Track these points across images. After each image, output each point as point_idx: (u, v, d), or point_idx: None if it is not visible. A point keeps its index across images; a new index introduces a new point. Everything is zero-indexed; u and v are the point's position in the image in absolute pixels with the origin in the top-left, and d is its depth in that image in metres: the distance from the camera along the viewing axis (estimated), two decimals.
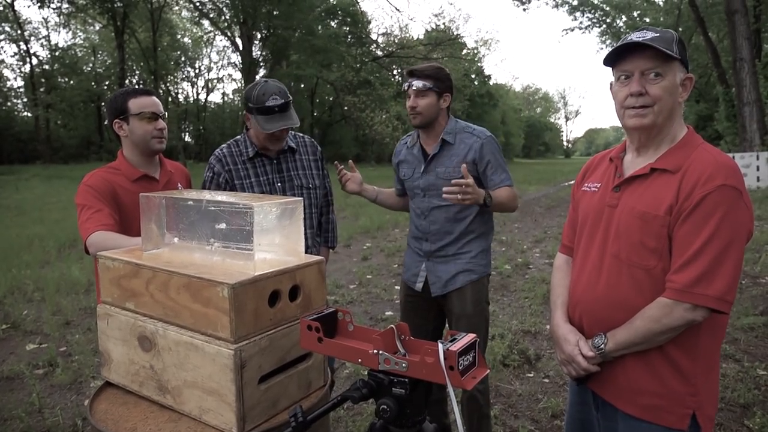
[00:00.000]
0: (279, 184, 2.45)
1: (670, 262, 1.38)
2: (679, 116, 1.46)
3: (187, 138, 41.55)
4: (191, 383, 1.33)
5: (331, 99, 35.75)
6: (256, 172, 2.44)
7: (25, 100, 34.37)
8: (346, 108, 34.15)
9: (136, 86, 2.21)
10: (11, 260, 7.17)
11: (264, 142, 2.40)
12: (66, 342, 4.41)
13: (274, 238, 1.37)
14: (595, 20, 33.68)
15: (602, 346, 1.45)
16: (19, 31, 32.15)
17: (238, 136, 2.53)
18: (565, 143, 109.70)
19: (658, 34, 1.37)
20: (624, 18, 34.19)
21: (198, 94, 46.30)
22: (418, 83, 2.32)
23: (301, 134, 2.65)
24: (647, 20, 33.95)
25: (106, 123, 2.13)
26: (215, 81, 51.74)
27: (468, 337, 1.09)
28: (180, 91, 44.32)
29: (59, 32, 39.94)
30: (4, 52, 48.62)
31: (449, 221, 2.39)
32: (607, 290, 1.47)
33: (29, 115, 33.48)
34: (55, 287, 5.86)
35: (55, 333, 4.57)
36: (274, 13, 27.69)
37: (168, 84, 39.98)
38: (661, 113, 1.40)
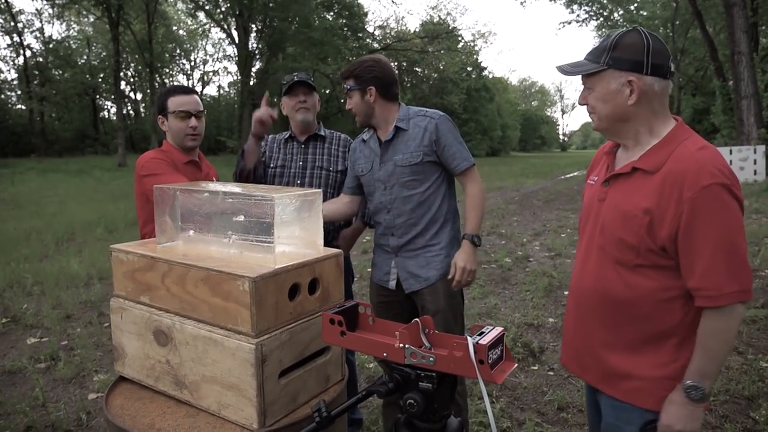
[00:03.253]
0: (300, 162, 2.73)
1: (649, 258, 1.39)
2: (642, 116, 1.43)
3: None
4: (210, 378, 1.32)
5: (327, 92, 35.58)
6: (285, 152, 2.77)
7: (19, 92, 34.10)
8: (342, 101, 34.03)
9: (178, 84, 2.35)
10: (9, 254, 7.12)
11: (291, 113, 2.72)
12: (67, 336, 4.39)
13: (294, 230, 1.35)
14: (592, 13, 33.60)
15: (702, 392, 1.36)
16: (12, 23, 31.83)
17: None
18: (561, 137, 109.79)
19: (592, 49, 1.46)
20: (621, 11, 34.12)
21: (193, 86, 46.09)
22: (345, 85, 2.33)
23: (339, 133, 2.91)
24: (644, 13, 33.91)
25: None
26: (211, 74, 51.44)
27: (496, 331, 1.08)
28: (175, 83, 44.03)
29: (53, 24, 39.57)
30: None
31: (414, 210, 2.30)
32: (594, 282, 1.51)
33: (23, 107, 33.24)
34: (54, 281, 5.83)
35: (55, 327, 4.54)
36: (270, 5, 27.48)
37: (163, 77, 39.75)
38: (605, 119, 1.46)
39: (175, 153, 2.29)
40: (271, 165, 2.76)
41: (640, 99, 1.40)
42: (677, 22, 30.71)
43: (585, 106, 1.51)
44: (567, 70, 1.49)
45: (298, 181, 2.71)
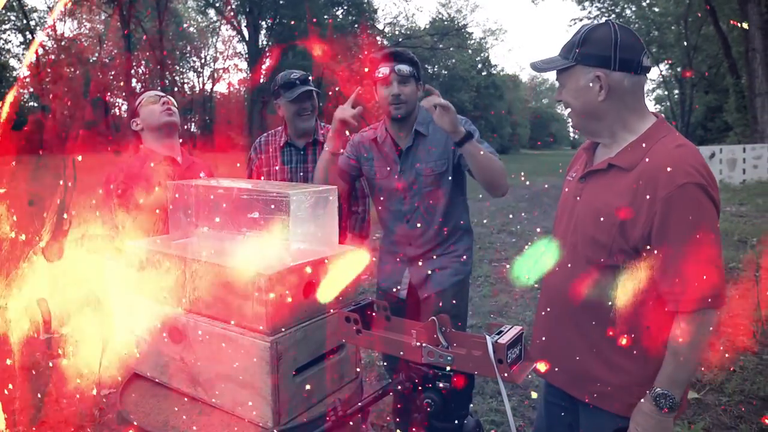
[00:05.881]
0: (302, 173, 2.61)
1: (620, 259, 1.37)
2: (615, 112, 1.40)
3: (193, 128, 41.51)
4: (224, 376, 1.31)
5: (337, 89, 35.64)
6: (283, 161, 2.64)
7: (31, 90, 34.40)
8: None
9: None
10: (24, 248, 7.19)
11: (293, 119, 2.53)
12: (82, 331, 4.42)
13: (309, 227, 1.34)
14: (603, 10, 33.36)
15: (673, 402, 1.33)
16: (24, 21, 32.13)
17: (279, 127, 2.71)
18: (571, 134, 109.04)
19: (564, 44, 1.43)
20: (633, 8, 33.83)
21: (204, 84, 46.20)
22: (404, 68, 2.06)
23: None
24: (656, 9, 33.59)
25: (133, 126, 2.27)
26: (221, 71, 51.50)
27: (515, 330, 1.06)
28: (186, 81, 44.24)
29: (65, 22, 39.81)
30: (10, 41, 48.61)
31: (436, 221, 2.17)
32: (564, 279, 1.48)
33: (35, 105, 33.56)
34: None
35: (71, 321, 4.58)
36: (280, 2, 27.55)
37: (174, 74, 39.92)
38: (578, 115, 1.44)
39: (150, 154, 2.20)
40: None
41: (609, 95, 1.37)
42: (690, 19, 30.39)
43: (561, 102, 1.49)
44: (539, 66, 1.48)
45: None
